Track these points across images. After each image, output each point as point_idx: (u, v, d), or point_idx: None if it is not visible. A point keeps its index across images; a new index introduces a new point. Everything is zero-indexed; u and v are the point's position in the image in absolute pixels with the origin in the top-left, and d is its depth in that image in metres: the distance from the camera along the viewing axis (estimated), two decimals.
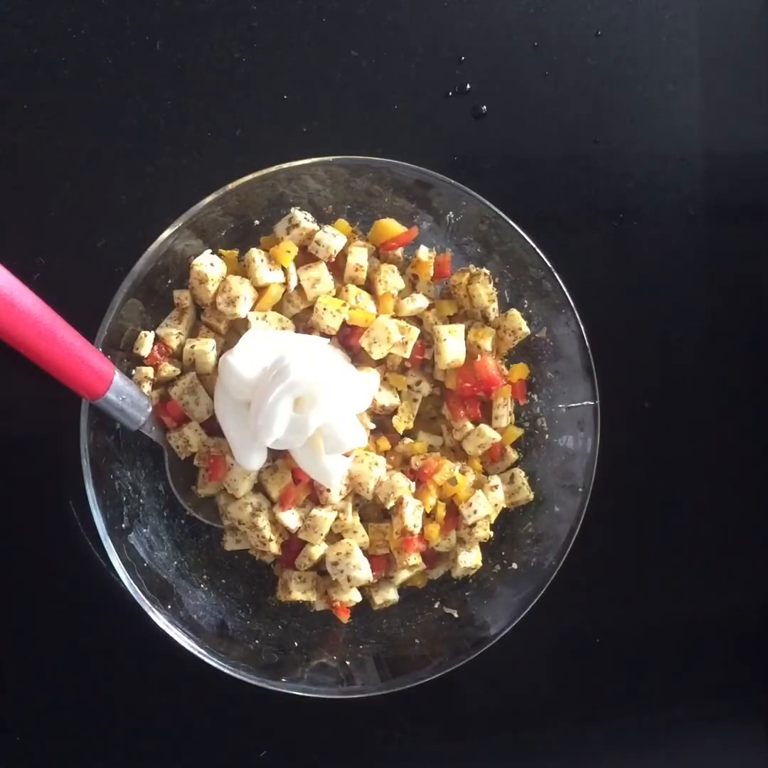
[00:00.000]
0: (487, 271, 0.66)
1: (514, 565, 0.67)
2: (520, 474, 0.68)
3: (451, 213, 0.64)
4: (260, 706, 0.65)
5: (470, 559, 0.67)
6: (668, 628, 0.76)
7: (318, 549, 0.65)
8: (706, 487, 0.76)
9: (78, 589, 0.67)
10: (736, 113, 0.75)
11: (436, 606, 0.68)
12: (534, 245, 0.63)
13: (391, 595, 0.67)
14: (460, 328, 0.66)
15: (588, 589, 0.71)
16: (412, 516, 0.64)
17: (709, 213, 0.74)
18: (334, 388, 0.60)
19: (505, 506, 0.67)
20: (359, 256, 0.65)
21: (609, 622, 0.75)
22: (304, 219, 0.64)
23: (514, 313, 0.66)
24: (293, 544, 0.66)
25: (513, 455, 0.68)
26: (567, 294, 0.63)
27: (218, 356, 0.64)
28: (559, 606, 0.64)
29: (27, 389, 0.65)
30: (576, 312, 0.63)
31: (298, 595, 0.65)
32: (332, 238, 0.64)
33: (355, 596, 0.66)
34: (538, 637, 0.66)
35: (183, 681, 0.67)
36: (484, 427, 0.67)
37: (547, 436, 0.68)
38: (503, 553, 0.68)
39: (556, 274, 0.63)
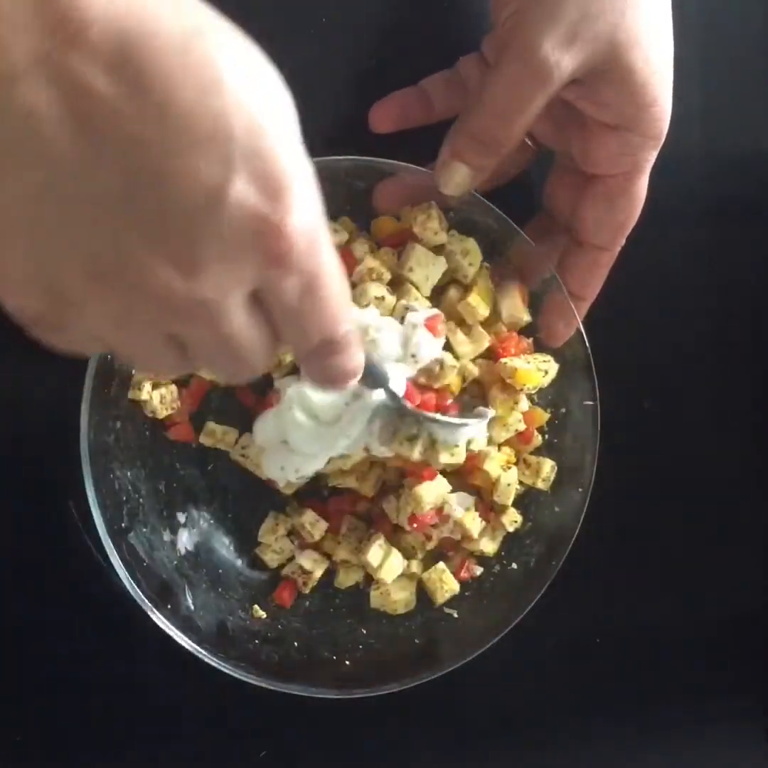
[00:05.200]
0: (488, 265, 0.66)
1: (514, 566, 0.67)
2: (546, 464, 0.67)
3: (452, 213, 0.64)
4: (260, 706, 0.65)
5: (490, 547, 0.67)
6: (668, 628, 0.75)
7: None
8: (706, 487, 0.76)
9: (78, 589, 0.67)
10: (736, 113, 0.75)
11: (436, 606, 0.68)
12: (535, 246, 0.63)
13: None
14: None
15: (588, 589, 0.71)
16: None
17: (709, 213, 0.74)
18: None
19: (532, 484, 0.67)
20: (360, 252, 0.64)
21: (609, 622, 0.74)
22: None
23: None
24: None
25: (538, 439, 0.68)
26: (566, 295, 0.63)
27: None
28: (559, 606, 0.64)
29: (26, 389, 0.65)
30: (576, 312, 0.63)
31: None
32: (333, 232, 0.64)
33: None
34: (538, 637, 0.66)
35: (183, 681, 0.67)
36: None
37: (547, 436, 0.68)
38: (503, 553, 0.68)
39: (556, 275, 0.63)
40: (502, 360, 0.64)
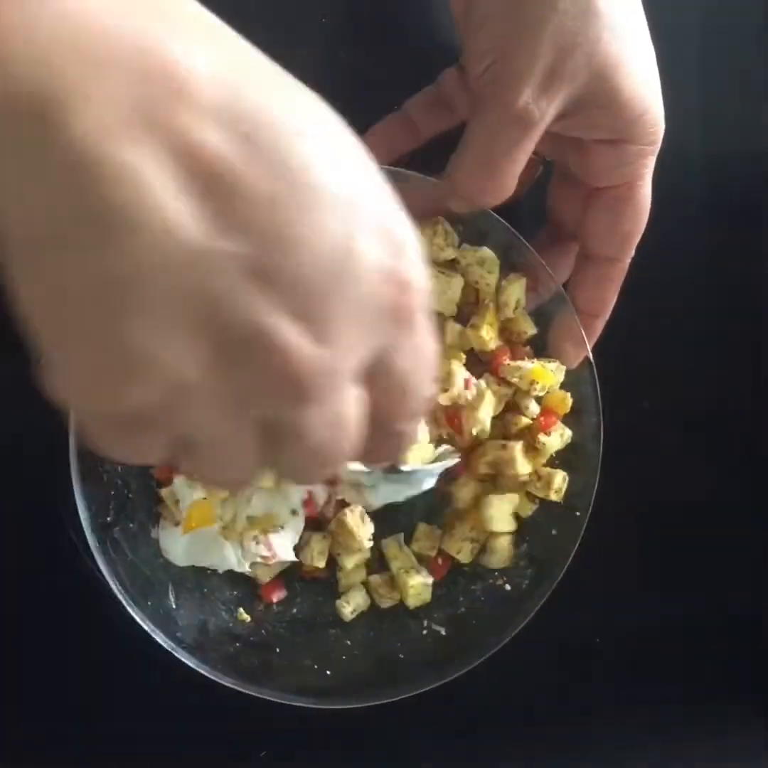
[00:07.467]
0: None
1: (508, 587, 0.67)
2: (558, 475, 0.65)
3: (460, 226, 0.63)
4: (260, 706, 0.65)
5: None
6: (668, 628, 0.75)
7: None
8: (706, 488, 0.76)
9: (67, 588, 0.67)
10: (736, 113, 0.75)
11: (424, 623, 0.67)
12: (537, 254, 0.62)
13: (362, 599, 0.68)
14: None
15: (588, 589, 0.71)
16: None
17: (709, 213, 0.74)
18: None
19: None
20: None
21: (609, 622, 0.74)
22: None
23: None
24: None
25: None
26: (567, 297, 0.63)
27: None
28: (559, 606, 0.64)
29: (18, 385, 0.65)
30: (576, 315, 0.63)
31: None
32: None
33: None
34: (538, 637, 0.66)
35: (183, 681, 0.66)
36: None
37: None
38: (496, 573, 0.68)
39: (564, 292, 0.63)
40: (506, 363, 0.64)
